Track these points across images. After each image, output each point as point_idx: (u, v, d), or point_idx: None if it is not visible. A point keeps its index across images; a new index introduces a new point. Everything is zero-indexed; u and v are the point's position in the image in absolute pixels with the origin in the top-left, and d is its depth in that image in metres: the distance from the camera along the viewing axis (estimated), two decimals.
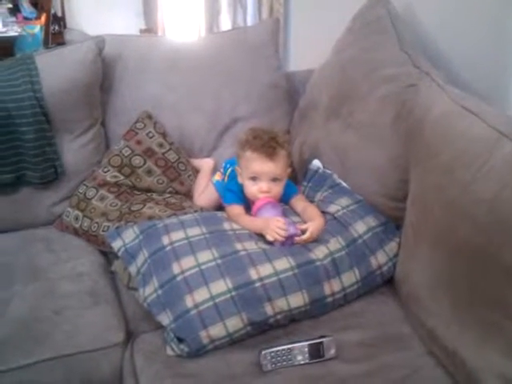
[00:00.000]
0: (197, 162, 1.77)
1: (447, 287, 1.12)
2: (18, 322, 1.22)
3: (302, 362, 1.13)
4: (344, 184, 1.49)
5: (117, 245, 1.33)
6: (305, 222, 1.37)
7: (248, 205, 1.47)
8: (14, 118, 1.52)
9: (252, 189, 1.43)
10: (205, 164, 1.76)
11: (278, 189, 1.43)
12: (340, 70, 1.61)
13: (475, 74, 1.43)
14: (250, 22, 2.96)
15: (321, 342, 1.14)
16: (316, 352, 1.14)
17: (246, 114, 1.79)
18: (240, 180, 1.48)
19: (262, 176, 1.41)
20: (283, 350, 1.13)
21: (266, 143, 1.40)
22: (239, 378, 1.10)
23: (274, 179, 1.42)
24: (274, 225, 1.30)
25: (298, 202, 1.49)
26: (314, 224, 1.34)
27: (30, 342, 1.18)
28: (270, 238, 1.30)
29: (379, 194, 1.41)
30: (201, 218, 1.38)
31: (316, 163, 1.62)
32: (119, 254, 1.32)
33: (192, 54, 1.85)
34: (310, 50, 2.40)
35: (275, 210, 1.40)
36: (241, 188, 1.48)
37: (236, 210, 1.44)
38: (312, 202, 1.51)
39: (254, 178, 1.43)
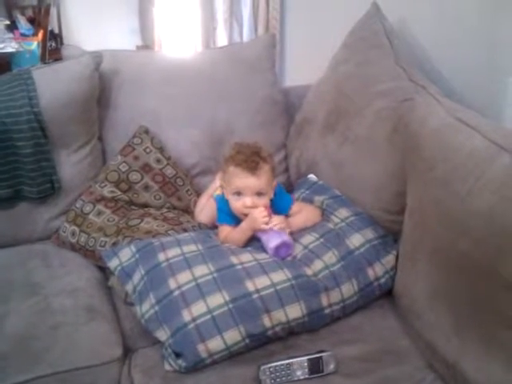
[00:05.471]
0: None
1: (447, 300, 1.12)
2: (15, 338, 1.21)
3: (302, 378, 1.12)
4: (344, 198, 1.49)
5: (113, 264, 1.33)
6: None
7: (239, 222, 1.45)
8: (12, 133, 1.51)
9: (236, 204, 1.42)
10: (213, 183, 1.72)
11: (262, 203, 1.41)
12: (336, 85, 1.62)
13: (470, 87, 1.44)
14: (246, 37, 2.99)
15: (320, 357, 1.14)
16: (315, 367, 1.13)
17: (243, 129, 1.79)
18: (226, 195, 1.46)
19: (245, 191, 1.40)
20: (282, 365, 1.12)
21: (249, 158, 1.38)
22: None
23: (259, 193, 1.40)
24: (257, 216, 1.36)
25: (296, 209, 1.49)
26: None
27: (26, 358, 1.16)
28: (265, 226, 1.35)
29: (376, 207, 1.42)
30: (197, 237, 1.39)
31: (312, 177, 1.62)
32: (115, 273, 1.32)
33: (189, 69, 1.85)
34: (305, 65, 2.42)
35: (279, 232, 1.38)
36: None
37: (224, 231, 1.44)
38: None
39: (237, 193, 1.41)
